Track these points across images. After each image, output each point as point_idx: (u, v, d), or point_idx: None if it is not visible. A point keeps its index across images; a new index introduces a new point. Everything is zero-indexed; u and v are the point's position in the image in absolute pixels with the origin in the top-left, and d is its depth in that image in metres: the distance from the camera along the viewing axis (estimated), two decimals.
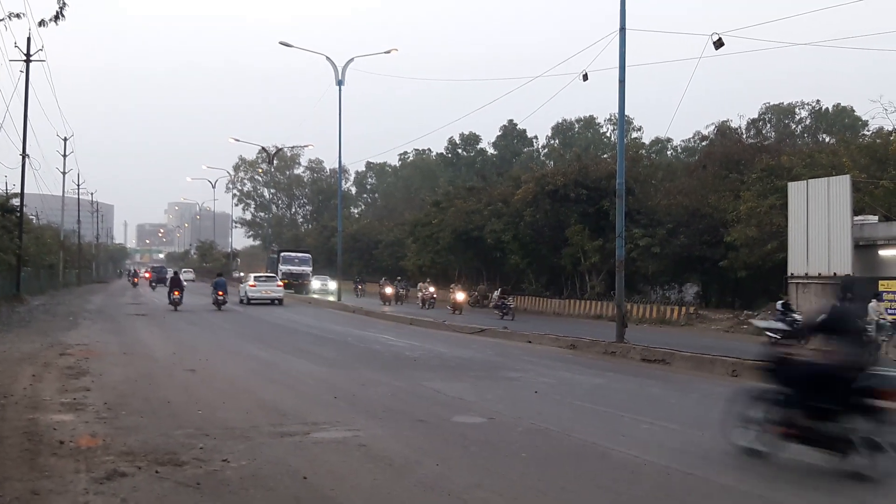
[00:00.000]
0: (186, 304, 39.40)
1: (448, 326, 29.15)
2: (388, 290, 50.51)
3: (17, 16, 13.45)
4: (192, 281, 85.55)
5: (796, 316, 25.13)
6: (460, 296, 41.43)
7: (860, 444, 7.92)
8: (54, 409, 10.74)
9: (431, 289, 46.62)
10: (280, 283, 49.09)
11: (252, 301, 44.69)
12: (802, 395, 8.44)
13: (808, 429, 8.36)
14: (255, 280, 46.86)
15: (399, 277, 58.04)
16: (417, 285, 49.43)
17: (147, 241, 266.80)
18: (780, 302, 26.37)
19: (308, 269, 65.99)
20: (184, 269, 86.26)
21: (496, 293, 51.80)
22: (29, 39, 40.49)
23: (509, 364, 18.05)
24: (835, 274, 28.84)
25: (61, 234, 71.24)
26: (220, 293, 38.17)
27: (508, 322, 31.80)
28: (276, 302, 45.34)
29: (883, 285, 27.55)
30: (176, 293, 37.35)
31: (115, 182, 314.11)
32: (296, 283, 63.39)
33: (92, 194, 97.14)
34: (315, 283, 65.02)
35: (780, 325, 12.55)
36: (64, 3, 12.05)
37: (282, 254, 68.00)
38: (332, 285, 59.68)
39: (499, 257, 54.06)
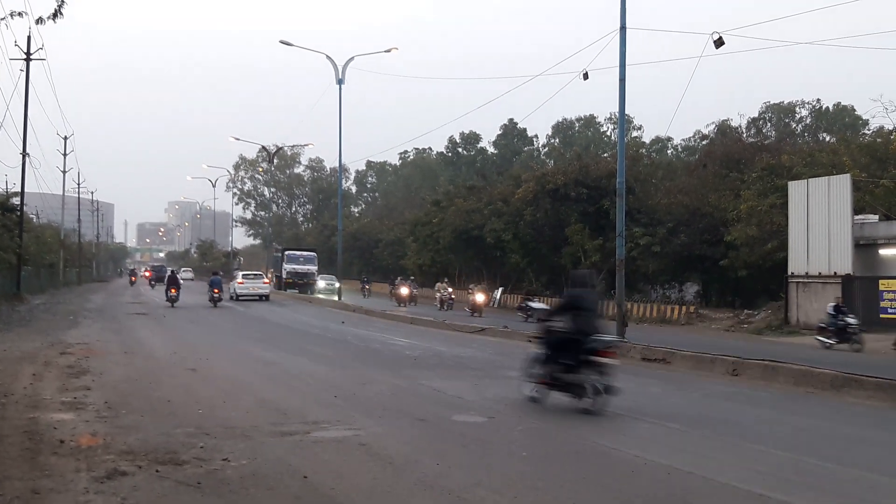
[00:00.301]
0: (184, 301, 41.00)
1: (448, 325, 29.15)
2: (404, 291, 48.22)
3: (20, 14, 13.41)
4: (192, 280, 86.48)
5: (850, 320, 24.21)
6: (480, 297, 39.15)
7: (588, 388, 11.39)
8: (55, 408, 10.74)
9: (450, 289, 45.01)
10: (266, 280, 51.67)
11: (240, 297, 46.97)
12: (555, 355, 11.85)
13: (558, 379, 11.85)
14: (242, 278, 49.78)
15: (412, 277, 56.03)
16: (436, 286, 47.47)
17: (147, 240, 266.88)
18: (832, 305, 25.28)
19: (314, 268, 63.12)
20: (182, 269, 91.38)
21: (498, 292, 51.85)
22: (29, 38, 40.50)
23: (509, 363, 18.03)
24: (835, 273, 28.86)
25: (62, 232, 71.23)
26: (216, 291, 40.48)
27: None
28: (263, 298, 47.44)
29: (883, 284, 27.56)
30: (173, 291, 39.08)
31: (116, 181, 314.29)
32: (300, 283, 61.16)
33: (92, 193, 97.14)
34: (320, 283, 61.95)
35: (542, 306, 15.96)
36: (63, 2, 12.04)
37: (286, 252, 65.49)
38: (338, 285, 58.96)
39: (499, 256, 54.12)
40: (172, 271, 47.45)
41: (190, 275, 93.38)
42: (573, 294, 12.20)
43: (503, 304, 48.88)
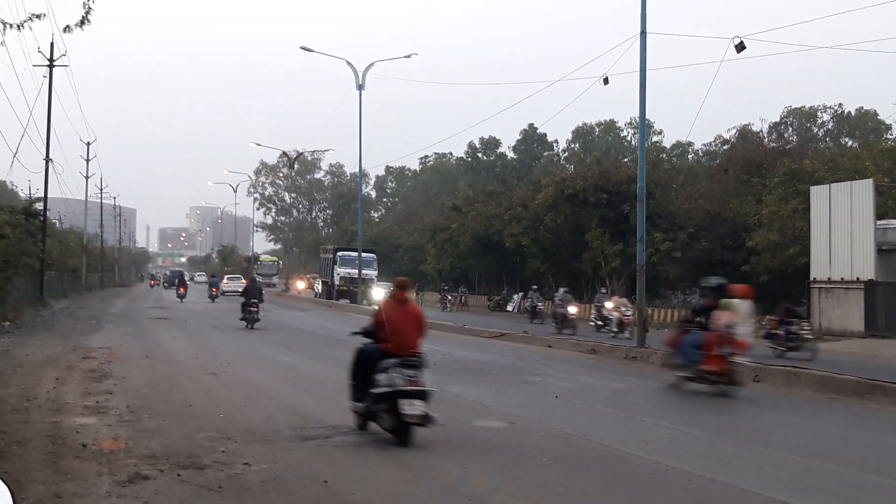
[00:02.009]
0: (190, 298, 50.35)
1: (468, 330, 29.12)
2: (572, 310, 31.41)
3: (38, 17, 13.34)
4: (205, 283, 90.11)
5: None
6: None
7: (250, 321, 28.15)
8: (77, 413, 10.81)
9: (629, 306, 28.30)
10: (243, 280, 56.47)
11: (225, 293, 56.53)
12: (243, 308, 28.50)
13: (244, 317, 28.36)
14: (227, 279, 63.69)
15: (565, 288, 35.29)
16: (611, 299, 31.28)
17: (169, 245, 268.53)
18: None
19: (373, 272, 53.15)
20: (197, 273, 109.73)
21: (517, 297, 51.62)
22: (52, 44, 40.83)
23: (529, 368, 18.03)
24: (858, 279, 28.62)
25: (84, 237, 71.72)
26: (214, 289, 51.42)
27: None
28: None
29: None
30: (181, 290, 49.94)
31: (138, 186, 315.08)
32: (356, 290, 50.79)
33: (115, 198, 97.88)
34: (377, 291, 49.65)
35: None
36: (90, 9, 12.02)
37: (339, 253, 55.08)
38: None
39: (518, 261, 54.01)
40: (181, 275, 59.90)
41: (204, 278, 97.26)
42: (249, 284, 30.97)
43: (524, 310, 48.76)
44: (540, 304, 39.70)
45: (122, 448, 8.64)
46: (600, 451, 9.35)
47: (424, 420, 9.19)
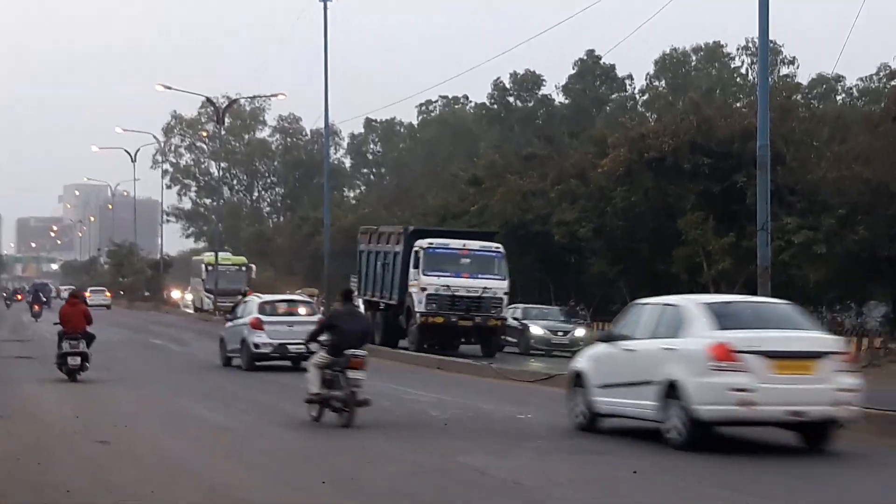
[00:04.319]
0: (46, 317, 56.53)
1: (495, 372, 29.13)
2: None
3: None
4: (108, 308, 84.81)
5: None
6: None
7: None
8: None
9: None
10: (108, 293, 72.48)
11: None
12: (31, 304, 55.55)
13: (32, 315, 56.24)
14: (90, 292, 74.44)
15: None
16: None
17: (33, 245, 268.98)
18: None
19: (502, 284, 39.48)
20: (90, 289, 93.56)
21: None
22: None
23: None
24: None
25: None
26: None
27: None
28: (106, 307, 72.56)
29: None
30: (36, 307, 61.95)
31: None
32: (466, 327, 38.78)
33: None
34: (536, 329, 42.74)
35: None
36: None
37: (422, 246, 39.76)
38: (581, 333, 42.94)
39: (574, 262, 53.89)
40: (42, 288, 77.35)
41: (105, 299, 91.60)
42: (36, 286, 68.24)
43: None
44: None
45: None
46: None
47: (81, 368, 25.57)
